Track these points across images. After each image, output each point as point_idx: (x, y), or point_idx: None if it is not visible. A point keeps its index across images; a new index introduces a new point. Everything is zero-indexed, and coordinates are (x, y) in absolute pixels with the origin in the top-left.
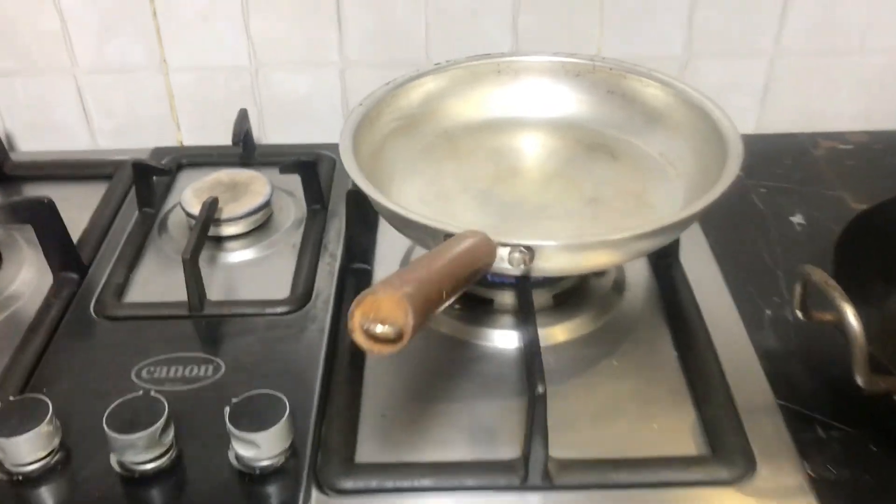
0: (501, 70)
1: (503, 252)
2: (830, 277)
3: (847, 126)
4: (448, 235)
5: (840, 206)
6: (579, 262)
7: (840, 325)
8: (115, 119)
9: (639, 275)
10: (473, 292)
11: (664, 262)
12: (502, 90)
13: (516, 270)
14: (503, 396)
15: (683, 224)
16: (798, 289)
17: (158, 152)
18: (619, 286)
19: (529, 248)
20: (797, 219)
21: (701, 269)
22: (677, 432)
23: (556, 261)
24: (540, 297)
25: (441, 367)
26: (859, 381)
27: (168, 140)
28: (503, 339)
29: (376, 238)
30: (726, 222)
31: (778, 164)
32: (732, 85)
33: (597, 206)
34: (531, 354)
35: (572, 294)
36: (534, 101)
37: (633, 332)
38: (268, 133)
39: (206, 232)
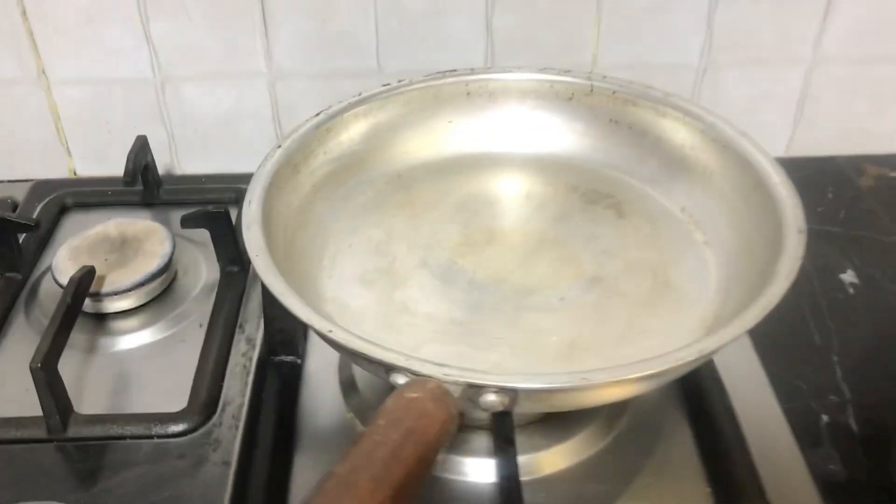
0: (472, 91)
1: (471, 393)
2: None
3: None
4: (392, 368)
5: None
6: (578, 400)
7: None
8: None
9: None
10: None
11: None
12: (473, 118)
13: (490, 411)
14: None
15: (728, 343)
16: None
17: (41, 187)
18: None
19: (511, 390)
20: (848, 276)
21: (735, 357)
22: None
23: (547, 402)
24: (525, 414)
25: None
26: None
27: (59, 169)
28: (478, 470)
29: None
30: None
31: (818, 198)
32: (760, 98)
33: (601, 290)
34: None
35: None
36: (514, 134)
37: (649, 456)
38: (182, 160)
39: (70, 323)
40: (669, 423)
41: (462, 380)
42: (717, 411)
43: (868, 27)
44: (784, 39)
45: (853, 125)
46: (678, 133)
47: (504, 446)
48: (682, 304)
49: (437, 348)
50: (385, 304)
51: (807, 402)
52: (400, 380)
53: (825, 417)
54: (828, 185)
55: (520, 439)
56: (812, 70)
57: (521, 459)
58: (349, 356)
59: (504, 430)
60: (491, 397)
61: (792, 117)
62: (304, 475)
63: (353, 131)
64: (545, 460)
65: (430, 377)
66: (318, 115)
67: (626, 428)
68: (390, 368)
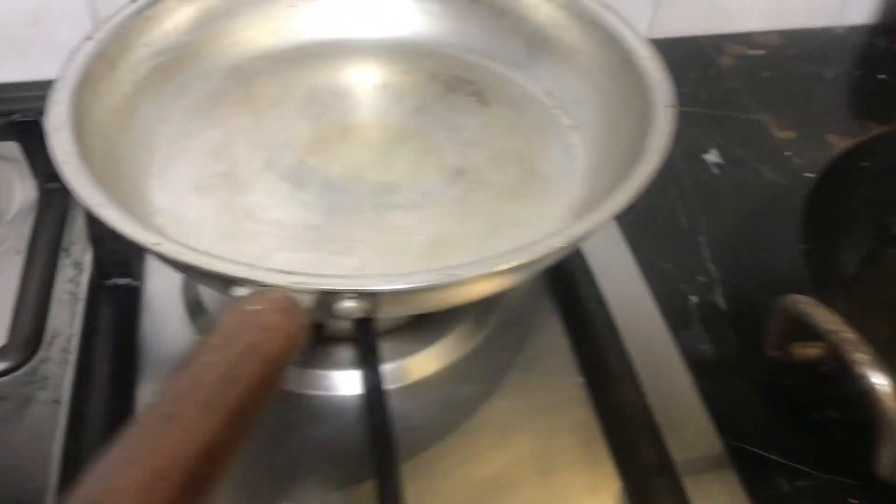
0: None
1: (329, 301)
2: (840, 320)
3: (756, 25)
4: (234, 281)
5: (761, 135)
6: (449, 298)
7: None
8: None
9: None
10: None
11: None
12: (318, 1)
13: (350, 319)
14: (352, 472)
15: (597, 227)
16: (778, 326)
17: None
18: None
19: (370, 294)
20: (712, 157)
21: (603, 248)
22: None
23: (410, 304)
24: (389, 320)
25: (259, 440)
26: (885, 474)
27: None
28: (344, 382)
29: None
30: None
31: (680, 79)
32: None
33: (467, 182)
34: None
35: None
36: (365, 17)
37: (521, 351)
38: None
39: None
40: (540, 316)
41: (314, 287)
42: (587, 301)
43: None
44: None
45: (713, 4)
46: (540, 10)
47: (367, 355)
48: (549, 191)
49: (288, 257)
50: (226, 213)
51: (675, 284)
52: (243, 294)
53: (694, 298)
54: (689, 65)
55: (386, 346)
56: None
57: (389, 367)
58: (184, 272)
59: (366, 338)
60: (349, 304)
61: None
62: None
63: (180, 19)
64: (414, 365)
65: (276, 287)
66: (135, 1)
67: (496, 326)
68: (232, 282)
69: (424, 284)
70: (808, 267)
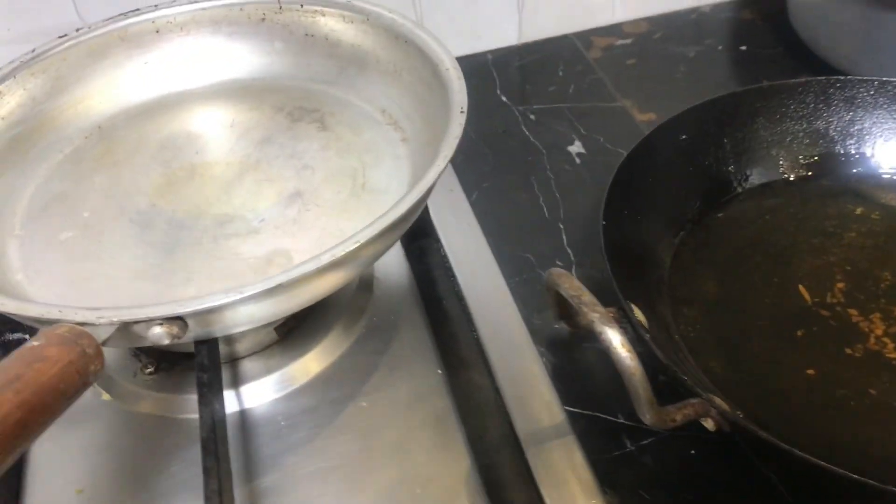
0: (160, 28)
1: (137, 329)
2: (581, 286)
3: (623, 16)
4: (48, 322)
5: (623, 121)
6: (265, 311)
7: (607, 350)
8: None
9: (391, 262)
10: (166, 348)
11: (417, 244)
12: (168, 55)
13: (168, 343)
14: None
15: (385, 232)
16: (550, 299)
17: None
18: (365, 285)
19: (175, 318)
20: (575, 147)
21: (463, 244)
22: (450, 491)
23: (226, 320)
24: (255, 335)
25: (136, 464)
26: (646, 419)
27: None
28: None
29: None
30: (493, 169)
31: (549, 78)
32: None
33: (301, 203)
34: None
35: (300, 318)
36: (214, 64)
37: (387, 352)
38: None
39: None
40: (406, 318)
41: (116, 319)
42: (446, 297)
43: None
44: None
45: (575, 2)
46: (367, 36)
47: (203, 375)
48: (378, 203)
49: (129, 294)
50: (79, 262)
51: (535, 271)
52: None
53: None
54: (559, 64)
55: (256, 364)
56: None
57: (262, 382)
58: (23, 321)
59: (202, 359)
60: (158, 329)
61: (515, 4)
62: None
63: (34, 90)
64: (284, 379)
65: (64, 322)
66: None
67: (364, 330)
68: (48, 322)
69: (219, 303)
70: (604, 241)
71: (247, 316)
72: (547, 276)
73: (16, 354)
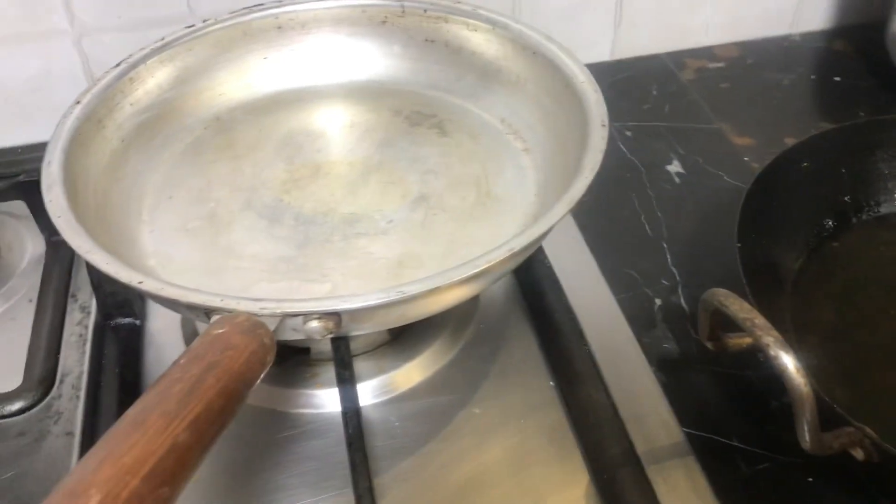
0: (283, 24)
1: (293, 323)
2: (753, 308)
3: (715, 39)
4: (210, 311)
5: (721, 143)
6: (409, 313)
7: (780, 375)
8: None
9: None
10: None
11: None
12: (288, 52)
13: (321, 338)
14: (336, 486)
15: (539, 240)
16: (704, 319)
17: None
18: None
19: (333, 314)
20: (674, 167)
21: (569, 256)
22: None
23: (375, 319)
24: (369, 336)
25: (248, 455)
26: (806, 446)
27: None
28: (330, 400)
29: None
30: (592, 183)
31: (643, 96)
32: (580, 6)
33: (427, 208)
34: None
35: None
36: (332, 63)
37: (495, 361)
38: None
39: None
40: (513, 327)
41: (279, 311)
42: (555, 310)
43: None
44: None
45: (670, 22)
46: (490, 45)
47: (342, 371)
48: (504, 211)
49: (266, 287)
50: (209, 251)
51: (641, 289)
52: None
53: (658, 301)
54: (652, 82)
55: (369, 364)
56: None
57: (372, 383)
58: (167, 305)
59: (340, 355)
60: (314, 324)
61: (612, 21)
62: None
63: (161, 78)
64: (395, 380)
65: (242, 313)
66: (118, 65)
67: (472, 338)
68: (210, 311)
69: (376, 302)
70: (741, 263)
71: (396, 316)
72: (707, 295)
73: (205, 341)
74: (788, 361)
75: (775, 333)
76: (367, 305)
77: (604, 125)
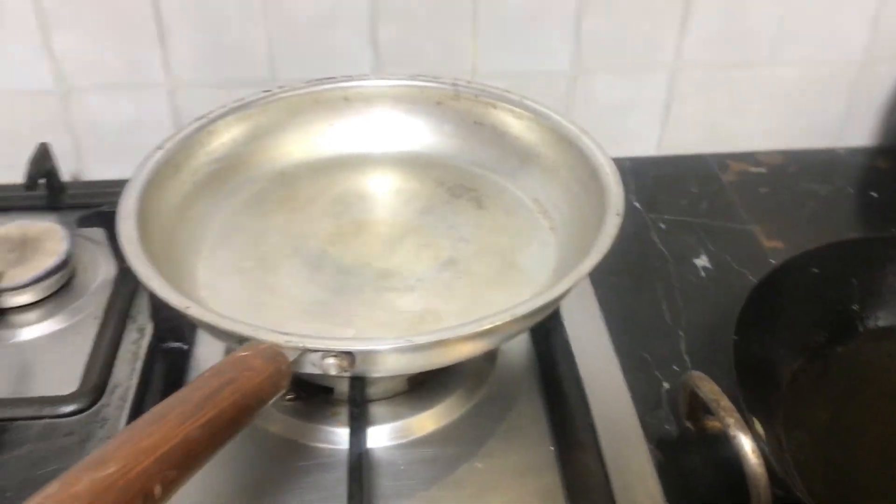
0: (349, 97)
1: (313, 358)
2: (721, 392)
3: (759, 145)
4: (241, 339)
5: (750, 244)
6: (417, 362)
7: (737, 454)
8: None
9: (517, 337)
10: (309, 379)
11: (542, 324)
12: (351, 121)
13: (337, 375)
14: None
15: (541, 310)
16: (682, 399)
17: None
18: (489, 356)
19: (347, 353)
20: (702, 261)
21: (586, 332)
22: None
23: (386, 363)
24: (389, 383)
25: (264, 477)
26: None
27: None
28: (345, 440)
29: None
30: (620, 267)
31: (682, 192)
32: (630, 102)
33: (454, 271)
34: (355, 480)
35: (431, 374)
36: (388, 135)
37: (503, 421)
38: (89, 167)
39: None
40: (524, 392)
41: (300, 345)
42: (565, 380)
43: (722, 34)
44: (647, 47)
45: (717, 125)
46: (531, 132)
47: (354, 410)
48: (523, 281)
49: (297, 324)
50: (254, 289)
51: (651, 371)
52: None
53: (666, 384)
54: (693, 180)
55: (386, 409)
56: (675, 74)
57: (387, 427)
58: (208, 330)
59: (355, 394)
60: (331, 360)
61: (659, 119)
62: None
63: (236, 133)
64: (407, 427)
65: (268, 342)
66: (199, 119)
67: (485, 397)
68: (242, 339)
69: (389, 347)
70: (735, 354)
71: (404, 364)
72: (687, 377)
73: (229, 360)
74: (745, 442)
75: (737, 415)
76: (377, 349)
77: (618, 214)
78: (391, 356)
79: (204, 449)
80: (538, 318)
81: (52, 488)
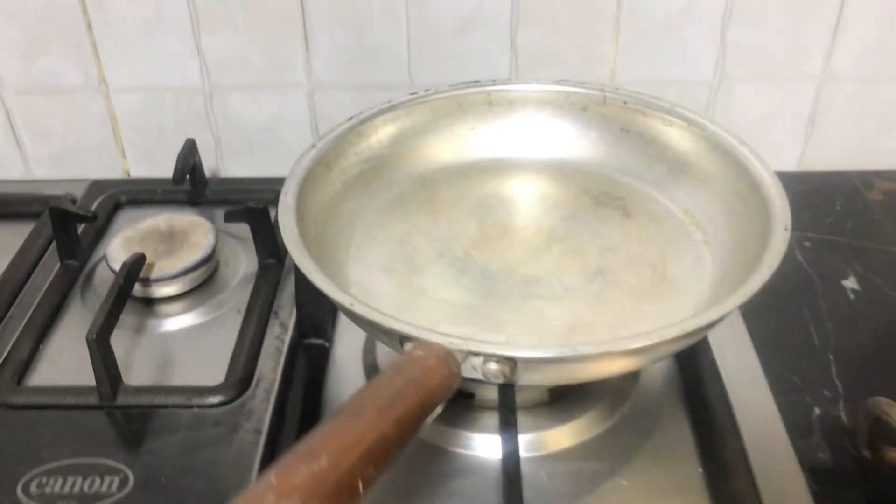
0: (493, 101)
1: (475, 361)
2: None
3: None
4: (405, 338)
5: None
6: (577, 372)
7: None
8: (51, 145)
9: None
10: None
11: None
12: (494, 125)
13: (495, 382)
14: None
15: (710, 326)
16: (864, 426)
17: (97, 186)
18: (633, 372)
19: (510, 359)
20: (850, 283)
21: (733, 352)
22: None
23: (547, 371)
24: (531, 393)
25: (410, 484)
26: None
27: (113, 170)
28: (487, 446)
29: None
30: (765, 288)
31: (826, 210)
32: (772, 114)
33: (603, 282)
34: (509, 483)
35: (573, 387)
36: (532, 140)
37: (648, 438)
38: (227, 164)
39: (122, 302)
40: (669, 410)
41: (465, 347)
42: (714, 400)
43: (875, 47)
44: (795, 57)
45: (863, 141)
46: (683, 141)
47: (507, 416)
48: (677, 295)
49: (448, 328)
50: (404, 290)
51: (801, 395)
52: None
53: (817, 410)
54: (837, 197)
55: (527, 419)
56: (822, 87)
57: (528, 437)
58: (368, 328)
59: (507, 401)
60: (492, 365)
61: (803, 132)
62: None
63: (382, 135)
64: (550, 438)
65: (436, 343)
66: (350, 119)
67: (628, 413)
68: (405, 338)
69: (552, 355)
70: None
71: (563, 373)
72: (871, 403)
73: (407, 360)
74: None
75: None
76: (543, 356)
77: (787, 229)
78: (553, 365)
79: (395, 446)
80: (706, 333)
81: (272, 477)
